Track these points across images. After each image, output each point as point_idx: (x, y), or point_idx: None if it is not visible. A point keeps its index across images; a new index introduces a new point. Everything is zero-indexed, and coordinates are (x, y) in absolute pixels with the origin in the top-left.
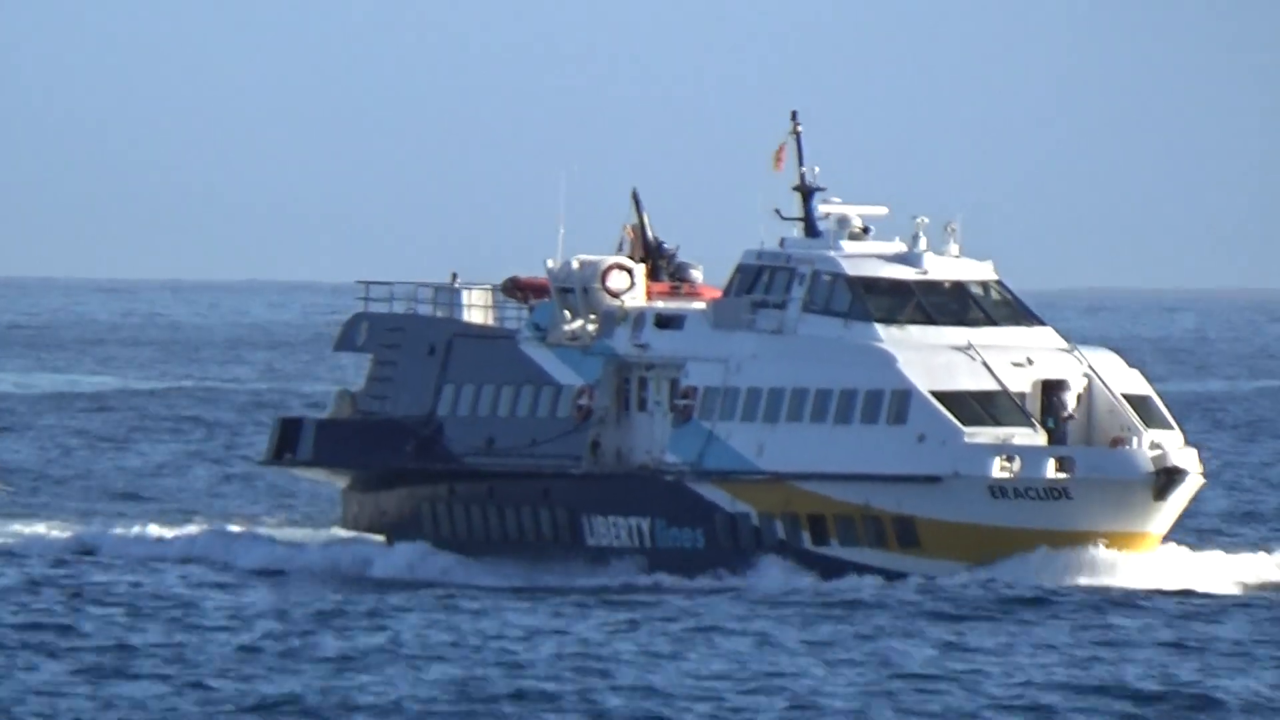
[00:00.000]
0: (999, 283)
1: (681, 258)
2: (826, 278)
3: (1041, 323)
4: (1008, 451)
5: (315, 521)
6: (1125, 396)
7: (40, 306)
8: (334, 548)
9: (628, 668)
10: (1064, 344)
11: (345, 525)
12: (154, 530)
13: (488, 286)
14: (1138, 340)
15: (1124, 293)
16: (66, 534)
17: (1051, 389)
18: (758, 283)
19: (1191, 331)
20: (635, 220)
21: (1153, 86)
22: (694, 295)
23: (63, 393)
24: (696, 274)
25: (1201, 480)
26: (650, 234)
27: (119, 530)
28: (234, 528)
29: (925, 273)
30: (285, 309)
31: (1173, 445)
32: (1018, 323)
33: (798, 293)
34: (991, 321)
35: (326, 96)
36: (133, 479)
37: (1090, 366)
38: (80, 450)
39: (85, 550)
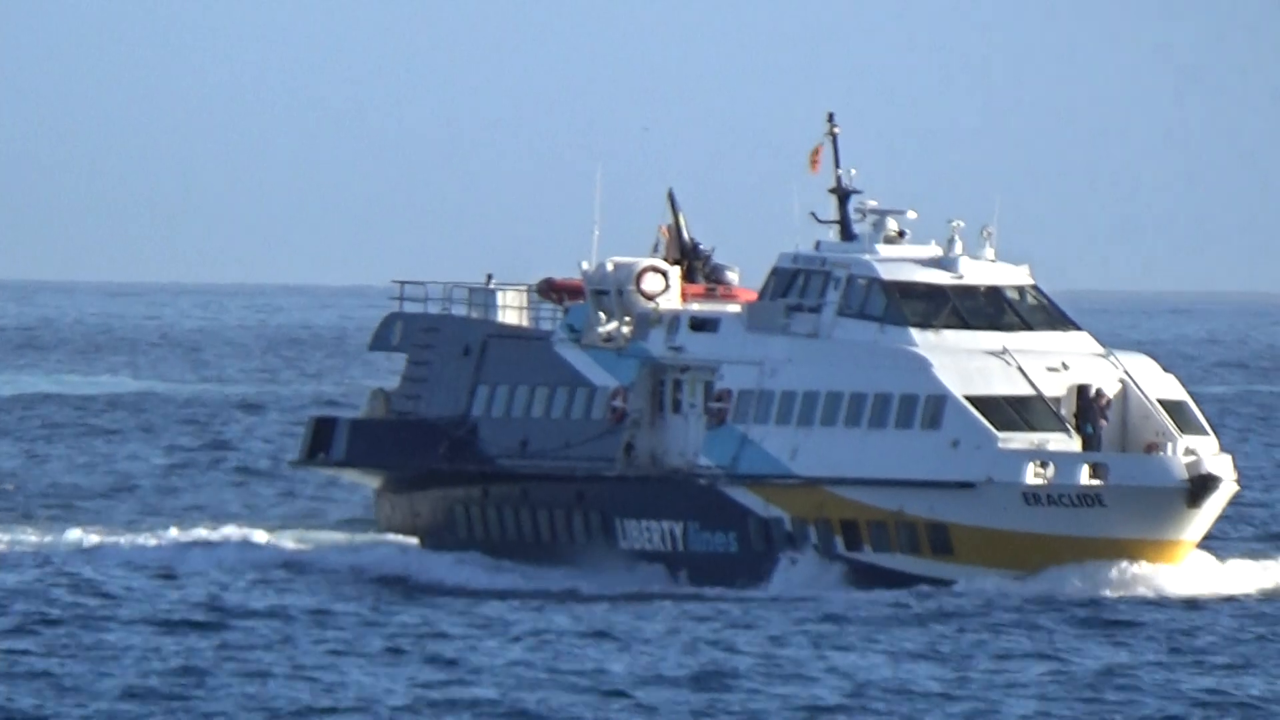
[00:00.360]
0: (1035, 287)
1: (717, 259)
2: (861, 282)
3: (1077, 327)
4: (1042, 458)
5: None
6: (1160, 402)
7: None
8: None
9: None
10: (1100, 349)
11: (379, 527)
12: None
13: (523, 288)
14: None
15: (1168, 295)
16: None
17: (1087, 394)
18: (793, 286)
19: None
20: (671, 221)
21: (1198, 88)
22: (729, 297)
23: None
24: (733, 276)
25: (1236, 487)
26: (686, 235)
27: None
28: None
29: (960, 277)
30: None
31: (1207, 451)
32: (1053, 327)
33: (833, 297)
34: (1027, 326)
35: (361, 99)
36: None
37: (1126, 371)
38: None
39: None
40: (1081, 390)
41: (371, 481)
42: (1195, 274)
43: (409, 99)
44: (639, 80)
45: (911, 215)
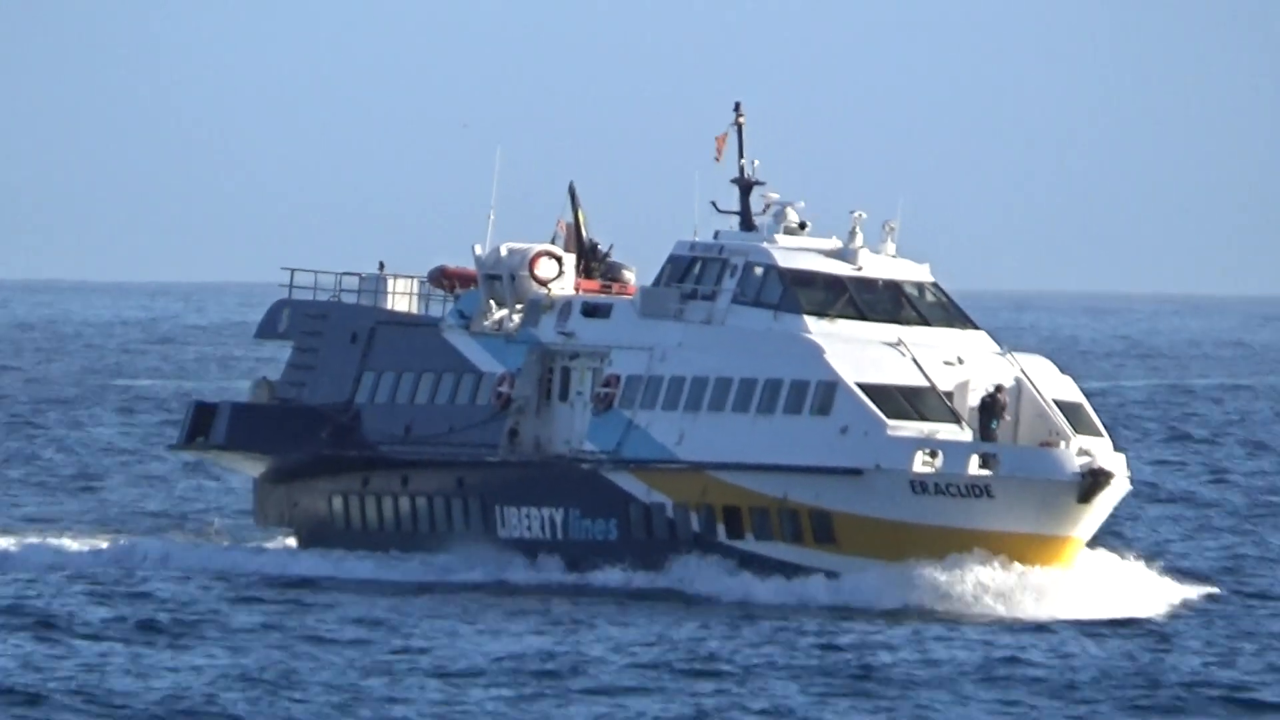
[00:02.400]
0: (934, 284)
1: (616, 257)
2: (758, 269)
3: (976, 326)
4: (931, 446)
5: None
6: (1056, 402)
7: None
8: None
9: None
10: (996, 348)
11: (257, 521)
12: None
13: (414, 277)
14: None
15: (1062, 295)
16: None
17: (990, 395)
18: (689, 274)
19: None
20: (570, 216)
21: (1109, 87)
22: (625, 296)
23: None
24: (629, 275)
25: (1129, 487)
26: (585, 233)
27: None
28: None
29: (860, 269)
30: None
31: (1101, 451)
32: (951, 325)
33: (729, 284)
34: (924, 321)
35: (251, 82)
36: None
37: (1022, 370)
38: None
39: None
40: (992, 392)
41: (250, 468)
42: (1111, 275)
43: (302, 86)
44: (543, 65)
45: (799, 206)
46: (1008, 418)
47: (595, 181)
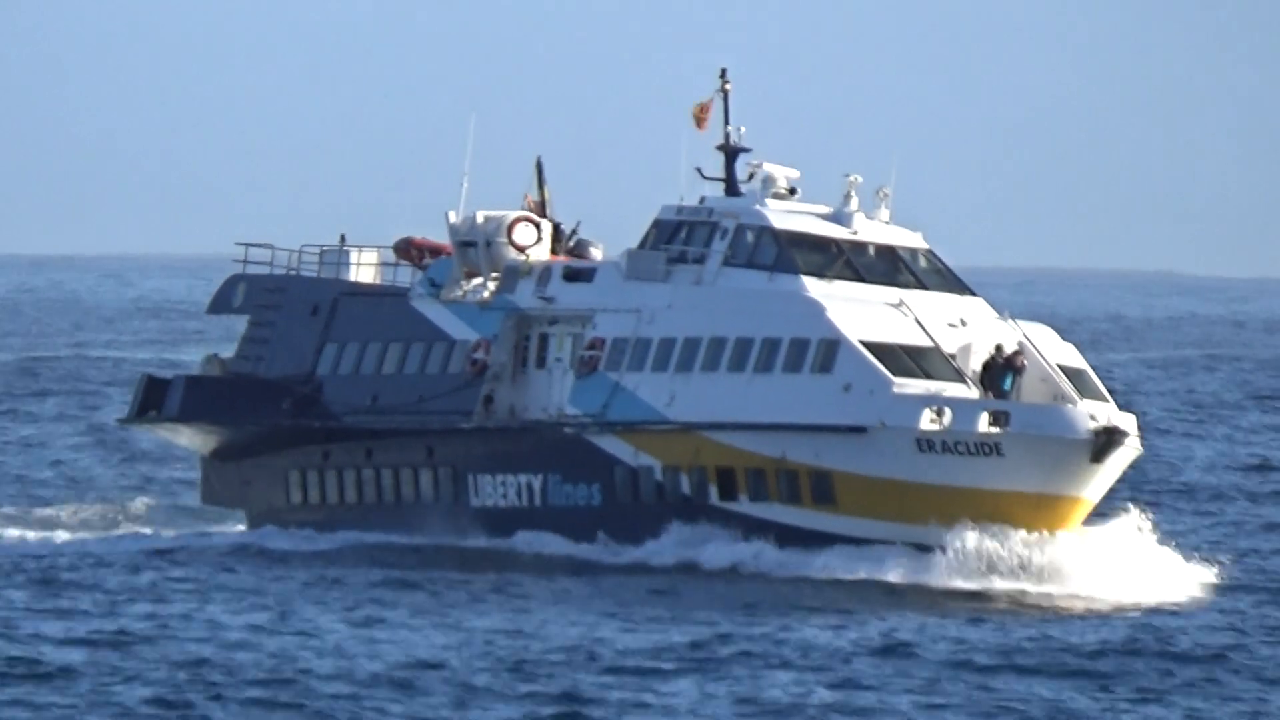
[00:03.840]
0: (930, 251)
1: (584, 234)
2: (751, 231)
3: (973, 293)
4: (939, 403)
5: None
6: (1060, 368)
7: None
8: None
9: None
10: (995, 314)
11: (204, 499)
12: None
13: (376, 249)
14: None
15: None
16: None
17: (1000, 353)
18: (676, 237)
19: None
20: (537, 193)
21: (1103, 60)
22: None
23: None
24: (596, 252)
25: (1140, 449)
26: (549, 213)
27: None
28: None
29: (855, 233)
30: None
31: (1111, 413)
32: (949, 290)
33: (719, 246)
34: (923, 286)
35: (204, 50)
36: None
37: (1025, 336)
38: None
39: None
40: (998, 350)
41: (201, 444)
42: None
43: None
44: (521, 32)
45: (794, 174)
46: (1024, 376)
47: (572, 152)
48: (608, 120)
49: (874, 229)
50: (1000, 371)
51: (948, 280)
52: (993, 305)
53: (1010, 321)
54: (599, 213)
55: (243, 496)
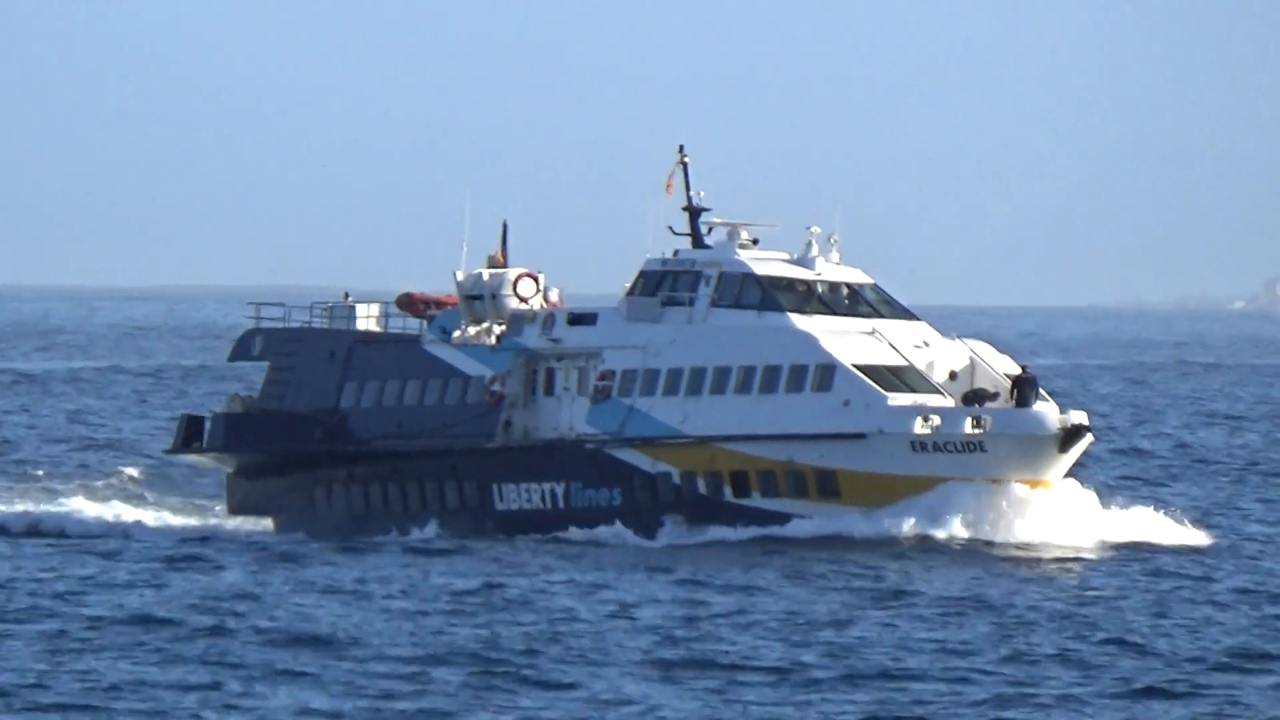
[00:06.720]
0: (875, 285)
1: (553, 283)
2: (735, 277)
3: (917, 318)
4: (928, 412)
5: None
6: (1006, 375)
7: None
8: None
9: None
10: (940, 335)
11: (230, 510)
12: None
13: (380, 303)
14: None
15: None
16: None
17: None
18: (662, 285)
19: None
20: (499, 251)
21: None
22: None
23: None
24: (553, 296)
25: (1093, 438)
26: (506, 265)
27: None
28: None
29: (819, 274)
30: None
31: (1060, 411)
32: (898, 317)
33: (705, 291)
34: (879, 315)
35: (217, 105)
36: None
37: (972, 351)
38: None
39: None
40: (1023, 370)
41: (229, 466)
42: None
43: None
44: (498, 110)
45: (773, 228)
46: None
47: (549, 217)
48: (585, 190)
49: (831, 269)
50: (1026, 384)
51: (895, 309)
52: (937, 329)
53: (957, 340)
54: (563, 265)
55: (271, 506)
